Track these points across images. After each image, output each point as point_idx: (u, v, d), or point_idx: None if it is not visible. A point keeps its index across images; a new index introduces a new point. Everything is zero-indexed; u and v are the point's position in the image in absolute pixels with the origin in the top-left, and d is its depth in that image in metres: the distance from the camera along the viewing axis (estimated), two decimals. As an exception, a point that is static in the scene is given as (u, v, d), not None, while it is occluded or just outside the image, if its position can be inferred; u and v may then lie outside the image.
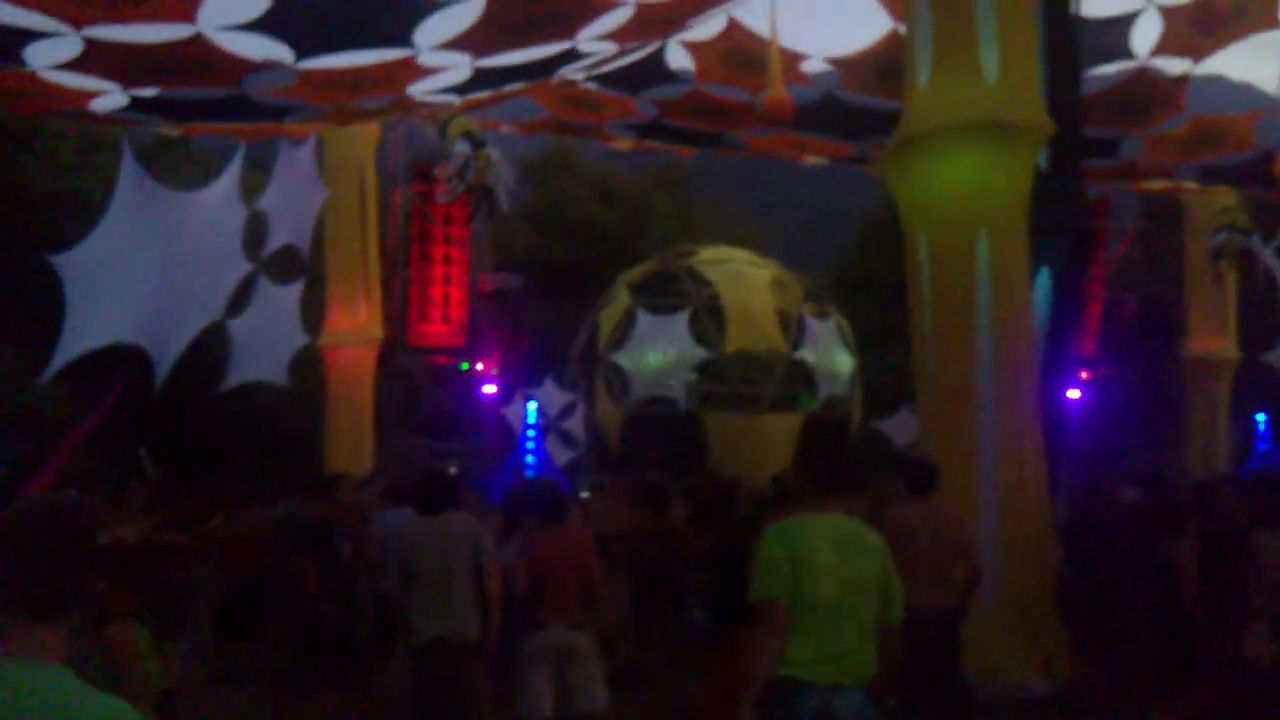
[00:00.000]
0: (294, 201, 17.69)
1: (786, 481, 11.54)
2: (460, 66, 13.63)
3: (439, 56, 13.15)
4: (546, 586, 6.65)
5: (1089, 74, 13.51)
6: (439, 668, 6.58)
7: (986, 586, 8.46)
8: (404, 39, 12.50)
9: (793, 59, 14.49)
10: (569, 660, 6.67)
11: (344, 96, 14.32)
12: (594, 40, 13.20)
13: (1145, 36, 14.55)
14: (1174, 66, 15.44)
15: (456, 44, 12.76)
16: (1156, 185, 22.16)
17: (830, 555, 4.30)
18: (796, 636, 4.26)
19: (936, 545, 6.82)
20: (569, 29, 12.73)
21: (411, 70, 13.57)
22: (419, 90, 14.53)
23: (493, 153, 22.87)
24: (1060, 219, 10.43)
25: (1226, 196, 21.81)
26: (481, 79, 14.21)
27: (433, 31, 12.36)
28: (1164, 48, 14.84)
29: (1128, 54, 14.96)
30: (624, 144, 20.61)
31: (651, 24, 13.11)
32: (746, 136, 18.06)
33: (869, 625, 4.32)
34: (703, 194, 44.61)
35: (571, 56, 13.80)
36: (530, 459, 22.76)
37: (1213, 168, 19.37)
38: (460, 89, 14.78)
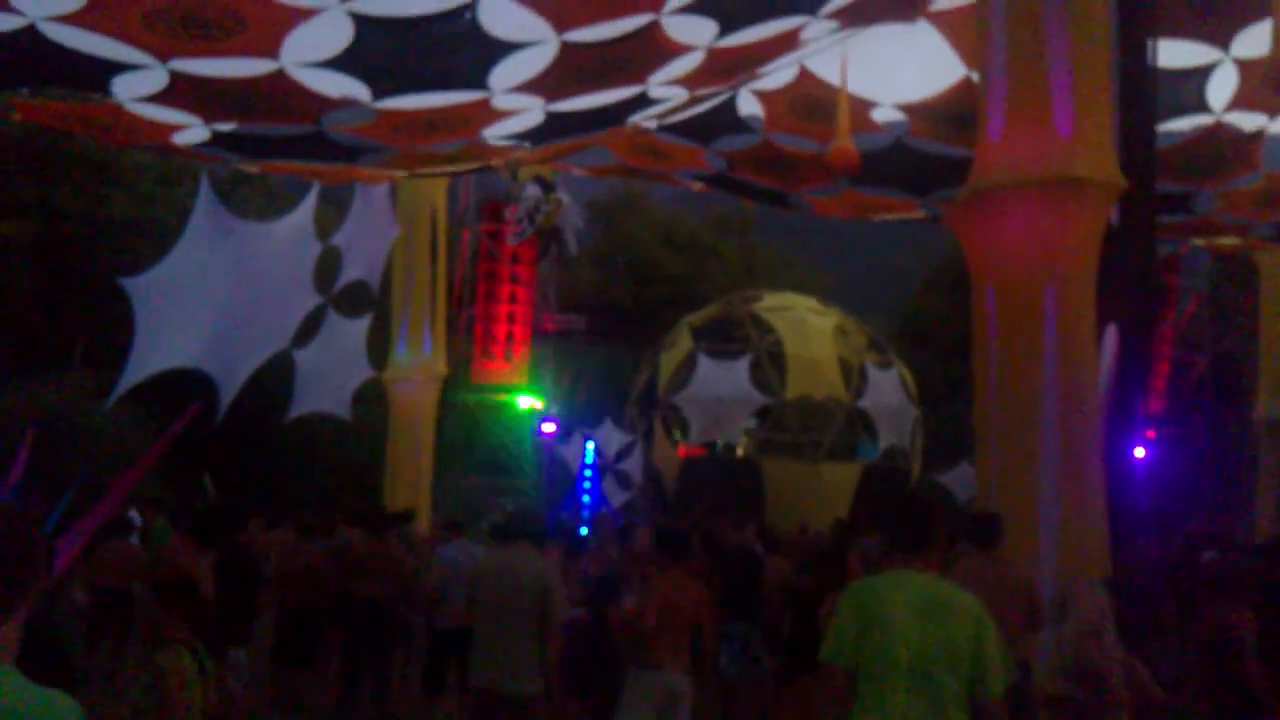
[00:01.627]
0: (367, 238, 18.00)
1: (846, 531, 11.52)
2: (533, 110, 13.79)
3: (513, 99, 13.31)
4: (666, 627, 6.56)
5: (1163, 128, 13.39)
6: (489, 718, 6.44)
7: (1045, 645, 8.33)
8: (479, 81, 12.67)
9: (863, 106, 14.50)
10: (673, 706, 6.57)
11: (420, 138, 14.52)
12: (665, 85, 13.32)
13: (1221, 90, 14.42)
14: (1250, 122, 15.26)
15: (530, 87, 12.90)
16: (1229, 242, 21.84)
17: (908, 617, 3.97)
18: (870, 702, 3.95)
19: (1003, 603, 6.52)
20: (640, 73, 12.85)
21: (486, 113, 13.73)
22: (493, 134, 14.70)
23: (562, 197, 23.21)
24: (1130, 275, 10.32)
25: (1302, 257, 21.47)
26: (554, 123, 14.35)
27: (507, 74, 12.46)
28: (1240, 103, 14.68)
29: (1203, 108, 14.81)
30: (690, 185, 20.72)
31: (722, 70, 13.20)
32: (811, 197, 18.06)
33: (958, 696, 3.95)
34: (767, 240, 44.70)
35: (643, 102, 13.92)
36: (586, 499, 22.79)
37: (1289, 227, 19.07)
38: (533, 134, 14.93)
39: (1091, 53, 8.96)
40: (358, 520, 11.22)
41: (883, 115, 15.11)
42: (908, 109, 14.90)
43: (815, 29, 12.24)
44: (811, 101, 14.46)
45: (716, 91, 14.25)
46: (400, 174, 17.04)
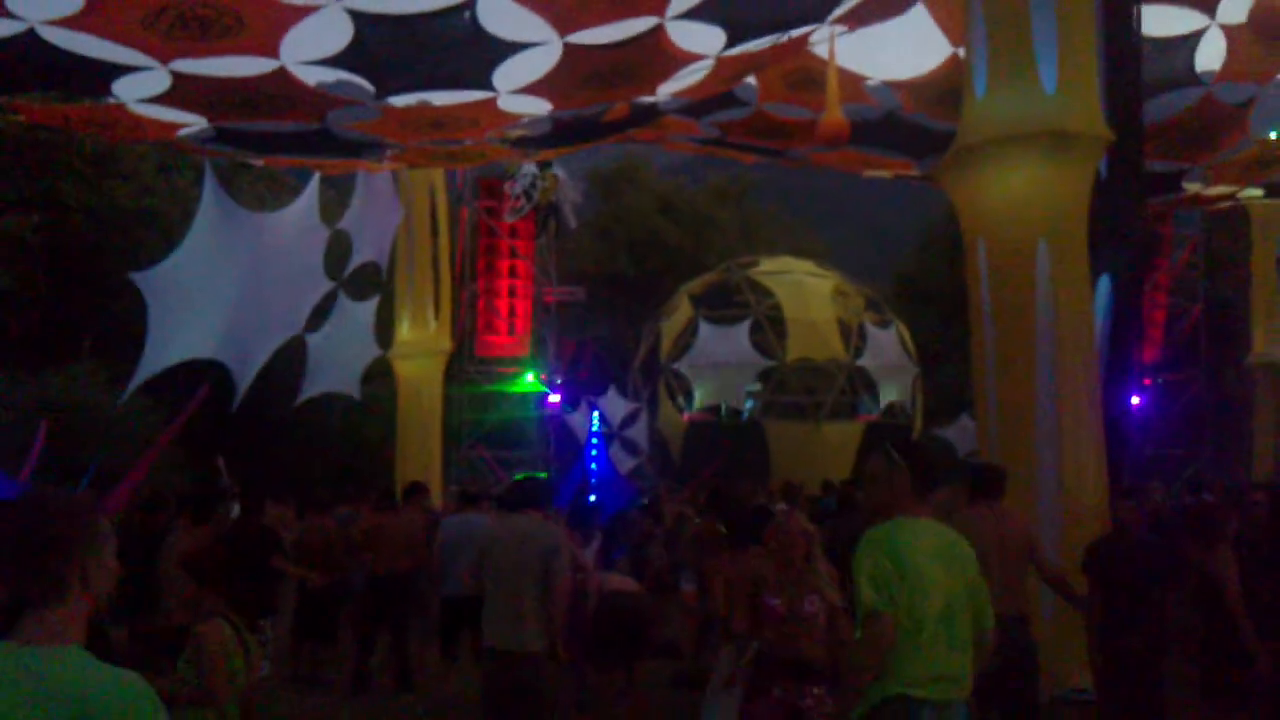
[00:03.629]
0: (374, 220, 18.14)
1: (849, 490, 11.67)
2: (541, 114, 13.74)
3: (519, 101, 13.21)
4: (740, 603, 6.66)
5: (1153, 103, 13.35)
6: (501, 676, 6.68)
7: (1048, 593, 8.53)
8: (484, 81, 12.59)
9: (854, 80, 14.52)
10: None
11: (427, 135, 14.53)
12: (674, 98, 13.33)
13: (1209, 59, 14.27)
14: (1239, 92, 15.07)
15: (535, 89, 12.80)
16: (1221, 202, 21.82)
17: (935, 566, 4.02)
18: (908, 653, 3.96)
19: (1004, 552, 6.68)
20: (649, 84, 12.74)
21: (494, 114, 13.67)
22: (500, 138, 14.66)
23: (558, 172, 23.35)
24: (1121, 226, 10.45)
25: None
26: (563, 130, 14.30)
27: (510, 75, 12.38)
28: (1229, 72, 14.50)
29: (1193, 79, 14.69)
30: (686, 148, 20.78)
31: (729, 77, 13.21)
32: (808, 151, 18.14)
33: (969, 636, 4.12)
34: (764, 207, 44.77)
35: (651, 114, 13.91)
36: (593, 467, 22.99)
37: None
38: (541, 141, 14.86)
39: (1076, 6, 9.06)
40: (369, 499, 11.40)
41: (874, 89, 15.10)
42: (898, 86, 14.90)
43: (822, 33, 12.28)
44: (805, 74, 14.45)
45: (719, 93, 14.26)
46: (402, 165, 17.14)
